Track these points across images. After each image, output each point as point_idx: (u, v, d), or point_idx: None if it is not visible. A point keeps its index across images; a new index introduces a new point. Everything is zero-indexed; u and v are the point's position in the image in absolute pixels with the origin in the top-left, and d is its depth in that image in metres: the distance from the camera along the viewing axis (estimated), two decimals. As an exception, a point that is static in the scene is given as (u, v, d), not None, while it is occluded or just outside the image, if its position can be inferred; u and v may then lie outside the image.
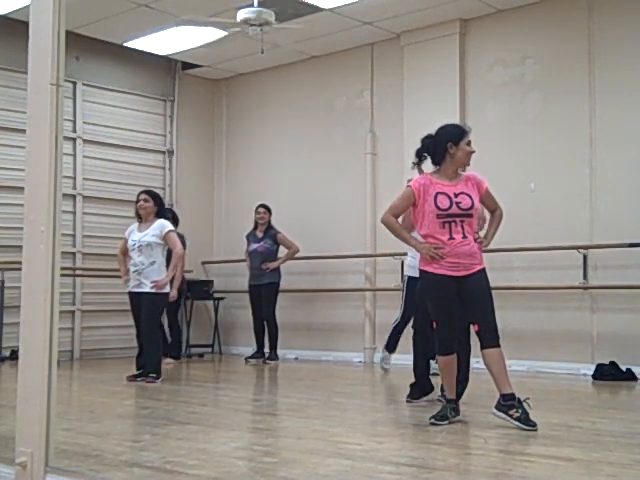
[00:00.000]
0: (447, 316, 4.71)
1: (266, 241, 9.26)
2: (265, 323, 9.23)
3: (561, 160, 8.02)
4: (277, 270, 9.24)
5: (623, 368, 7.18)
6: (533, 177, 8.16)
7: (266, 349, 9.24)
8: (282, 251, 9.33)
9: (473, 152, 4.77)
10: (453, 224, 4.61)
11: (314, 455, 3.80)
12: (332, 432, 4.46)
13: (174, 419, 5.03)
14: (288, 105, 10.30)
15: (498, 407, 4.56)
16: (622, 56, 7.73)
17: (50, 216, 3.20)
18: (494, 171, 8.19)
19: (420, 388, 5.65)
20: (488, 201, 4.86)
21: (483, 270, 4.71)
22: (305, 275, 9.79)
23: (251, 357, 9.28)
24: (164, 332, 8.32)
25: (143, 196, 7.25)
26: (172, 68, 10.60)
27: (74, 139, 9.63)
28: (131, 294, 7.16)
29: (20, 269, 3.28)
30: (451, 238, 4.61)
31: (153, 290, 6.99)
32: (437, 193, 4.63)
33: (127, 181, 9.96)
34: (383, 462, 3.67)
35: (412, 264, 5.78)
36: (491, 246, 8.73)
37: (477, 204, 4.71)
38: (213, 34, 9.00)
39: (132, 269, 7.12)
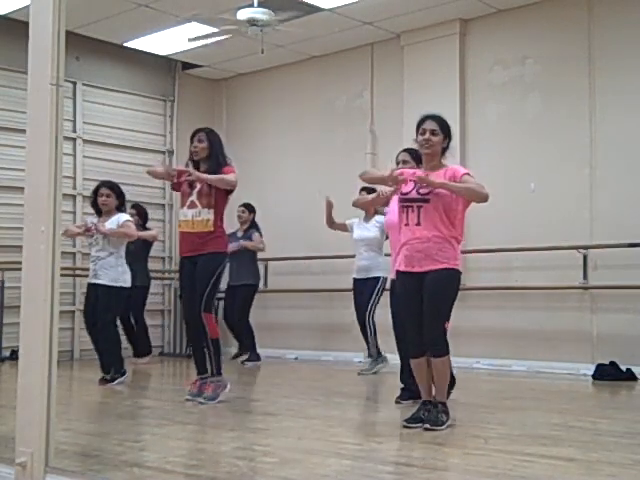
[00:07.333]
0: (409, 316, 4.52)
1: (245, 240, 8.99)
2: (238, 326, 8.78)
3: (561, 160, 8.02)
4: (255, 271, 8.94)
5: (623, 368, 7.18)
6: (533, 177, 8.15)
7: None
8: (261, 255, 9.09)
9: (424, 139, 4.53)
10: (410, 209, 4.48)
11: (314, 455, 3.80)
12: (332, 432, 4.46)
13: (174, 419, 5.03)
14: (288, 105, 10.29)
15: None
16: (622, 56, 7.73)
17: (50, 216, 3.20)
18: (494, 171, 8.21)
19: (409, 394, 5.54)
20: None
21: (443, 271, 4.39)
22: (305, 275, 9.78)
23: (234, 357, 8.95)
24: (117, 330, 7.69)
25: (105, 191, 6.81)
26: (172, 68, 10.60)
27: (74, 139, 9.62)
28: (88, 285, 6.84)
29: (20, 269, 3.28)
30: (406, 224, 4.49)
31: (109, 283, 6.67)
32: (410, 181, 4.54)
33: (127, 181, 9.88)
34: (383, 462, 3.67)
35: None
36: (491, 246, 8.73)
37: (440, 190, 4.39)
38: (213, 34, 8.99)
39: (90, 260, 6.84)
